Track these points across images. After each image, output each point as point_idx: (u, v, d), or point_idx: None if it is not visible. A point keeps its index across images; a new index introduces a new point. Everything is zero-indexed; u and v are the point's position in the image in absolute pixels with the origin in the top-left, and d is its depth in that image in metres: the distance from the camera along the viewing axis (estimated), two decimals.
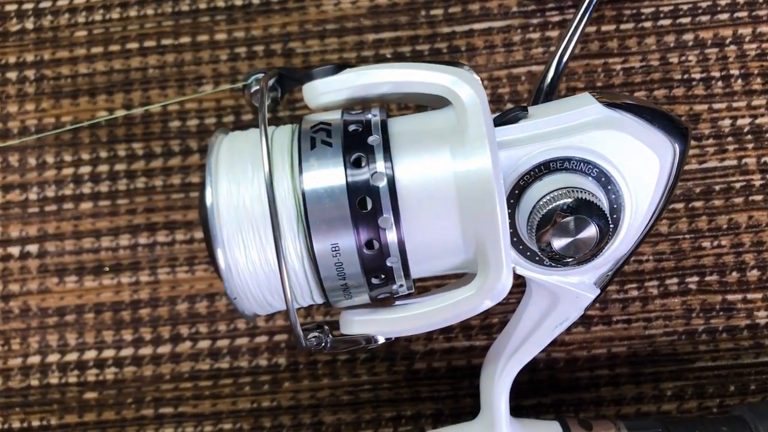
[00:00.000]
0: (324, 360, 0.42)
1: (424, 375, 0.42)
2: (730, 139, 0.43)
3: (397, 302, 0.31)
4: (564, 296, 0.32)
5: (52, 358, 0.43)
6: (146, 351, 0.43)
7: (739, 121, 0.43)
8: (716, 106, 0.43)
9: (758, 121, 0.43)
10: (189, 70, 0.45)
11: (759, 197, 0.42)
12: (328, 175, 0.29)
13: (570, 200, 0.28)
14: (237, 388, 0.42)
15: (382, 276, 0.30)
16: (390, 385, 0.42)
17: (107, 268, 0.43)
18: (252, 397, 0.42)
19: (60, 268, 0.44)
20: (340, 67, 0.31)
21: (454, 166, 0.29)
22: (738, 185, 0.42)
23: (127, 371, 0.43)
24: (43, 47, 0.46)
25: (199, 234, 0.43)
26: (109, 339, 0.43)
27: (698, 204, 0.42)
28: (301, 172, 0.29)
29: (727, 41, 0.44)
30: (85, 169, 0.44)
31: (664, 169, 0.30)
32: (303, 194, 0.28)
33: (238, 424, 0.42)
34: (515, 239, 0.30)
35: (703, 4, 0.44)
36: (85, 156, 0.45)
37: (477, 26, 0.45)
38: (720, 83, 0.43)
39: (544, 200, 0.29)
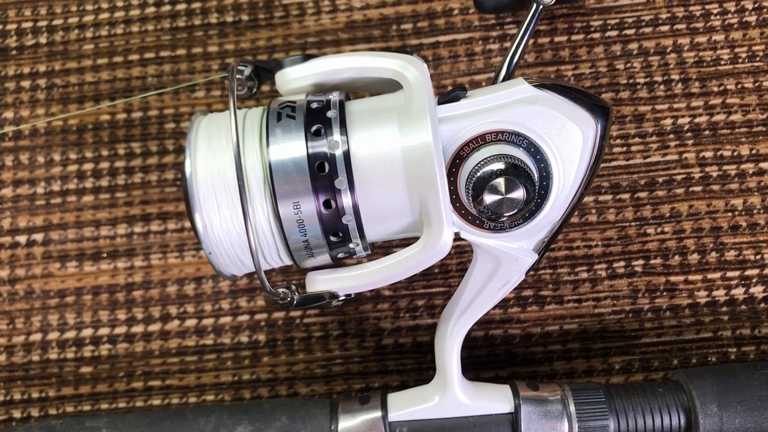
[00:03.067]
0: (300, 337, 0.46)
1: (391, 350, 0.45)
2: (671, 136, 0.47)
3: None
4: (505, 260, 0.36)
5: (52, 335, 0.47)
6: (138, 329, 0.47)
7: (680, 120, 0.47)
8: (659, 107, 0.47)
9: (697, 120, 0.47)
10: (184, 79, 0.50)
11: (698, 188, 0.46)
12: (291, 143, 0.33)
13: (501, 164, 0.32)
14: (220, 362, 0.46)
15: (339, 234, 0.34)
16: (360, 359, 0.45)
17: (105, 254, 0.48)
18: (233, 371, 0.46)
19: (62, 255, 0.48)
20: (307, 57, 0.36)
21: (400, 136, 0.33)
22: (679, 177, 0.46)
23: (120, 347, 0.46)
24: (54, 59, 0.51)
25: (187, 223, 0.48)
26: (104, 318, 0.47)
27: (643, 194, 0.46)
28: (268, 142, 0.33)
29: (668, 50, 0.48)
30: (88, 166, 0.49)
31: (587, 142, 0.34)
32: (269, 160, 0.33)
33: (220, 395, 0.46)
34: (458, 205, 0.34)
35: (646, 18, 0.49)
36: (89, 154, 0.49)
37: (442, 38, 0.49)
38: (662, 87, 0.48)
39: (480, 165, 0.33)
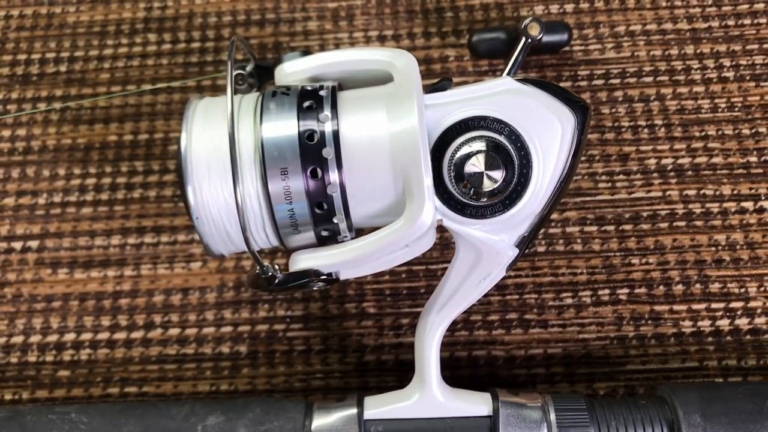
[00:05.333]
0: (282, 350, 0.46)
1: (372, 366, 0.45)
2: (655, 175, 0.48)
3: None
4: (486, 251, 0.37)
5: (34, 338, 0.47)
6: (120, 335, 0.46)
7: (663, 161, 0.49)
8: (643, 148, 0.49)
9: (680, 161, 0.49)
10: None
11: (682, 223, 0.47)
12: (284, 115, 0.35)
13: (482, 144, 0.34)
14: (199, 372, 0.45)
15: (324, 206, 0.35)
16: (340, 375, 0.45)
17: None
18: (212, 381, 0.45)
19: (54, 262, 0.49)
20: (305, 53, 0.39)
21: (388, 118, 0.35)
22: (663, 213, 0.47)
23: (100, 353, 0.46)
24: (71, 85, 0.54)
25: (181, 236, 0.49)
26: (88, 324, 0.47)
27: (627, 227, 0.47)
28: (262, 117, 0.35)
29: (651, 98, 0.51)
30: (90, 181, 0.51)
31: (566, 135, 0.36)
32: (261, 132, 0.34)
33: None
34: (440, 189, 0.35)
35: (630, 70, 0.52)
36: (92, 170, 0.51)
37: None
38: (646, 130, 0.50)
39: (462, 144, 0.34)
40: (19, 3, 0.57)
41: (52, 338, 0.47)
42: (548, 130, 0.36)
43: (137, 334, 0.46)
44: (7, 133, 0.53)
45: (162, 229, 0.49)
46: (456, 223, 0.36)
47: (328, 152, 0.34)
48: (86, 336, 0.46)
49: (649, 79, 0.51)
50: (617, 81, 0.51)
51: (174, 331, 0.46)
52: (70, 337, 0.47)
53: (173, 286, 0.47)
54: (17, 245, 0.49)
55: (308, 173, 0.34)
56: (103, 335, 0.46)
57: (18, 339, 0.47)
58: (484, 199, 0.35)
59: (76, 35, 0.56)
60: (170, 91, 0.54)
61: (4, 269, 0.48)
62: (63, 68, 0.55)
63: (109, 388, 0.45)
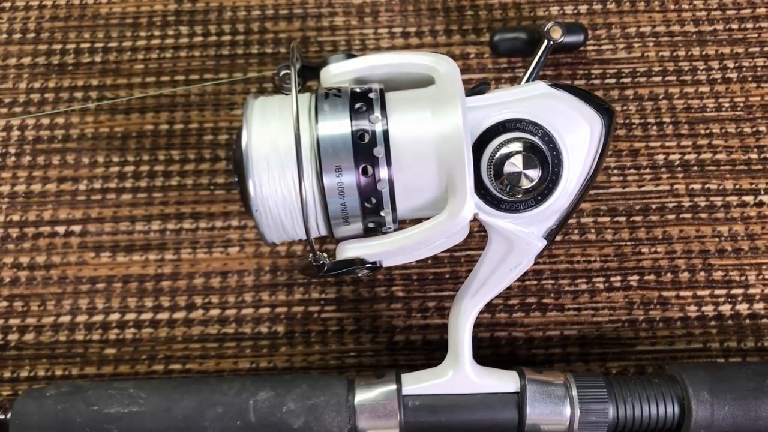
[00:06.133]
0: (317, 330, 0.49)
1: (402, 346, 0.48)
2: (663, 169, 0.52)
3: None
4: (517, 242, 0.40)
5: (81, 318, 0.49)
6: (163, 316, 0.49)
7: (671, 156, 0.52)
8: (652, 144, 0.53)
9: (686, 157, 0.52)
10: (224, 98, 0.55)
11: (688, 215, 0.51)
12: (337, 116, 0.37)
13: (520, 145, 0.37)
14: (239, 350, 0.48)
15: (373, 200, 0.38)
16: (372, 353, 0.48)
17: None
18: (251, 359, 0.48)
19: (97, 246, 0.51)
20: (350, 56, 0.41)
21: (433, 119, 0.38)
22: (671, 205, 0.51)
23: (144, 332, 0.49)
24: (106, 75, 0.56)
25: (218, 223, 0.52)
26: (132, 305, 0.50)
27: (638, 218, 0.51)
28: (317, 117, 0.38)
29: (660, 97, 0.54)
30: (129, 168, 0.53)
31: (594, 136, 0.39)
32: (317, 131, 0.37)
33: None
34: (478, 185, 0.39)
35: (641, 69, 0.55)
36: (131, 158, 0.54)
37: None
38: (655, 128, 0.53)
39: (501, 145, 0.37)
40: None
41: (98, 318, 0.49)
42: (578, 132, 0.39)
43: (179, 315, 0.49)
44: (46, 121, 0.55)
45: (200, 215, 0.52)
46: (491, 217, 0.39)
47: (378, 151, 0.37)
48: (130, 316, 0.49)
49: (658, 78, 0.55)
50: (628, 80, 0.55)
51: (215, 312, 0.49)
52: (114, 317, 0.49)
53: (212, 270, 0.50)
54: (60, 229, 0.52)
55: (360, 170, 0.37)
56: (147, 315, 0.49)
57: (65, 318, 0.49)
58: (519, 196, 0.38)
59: (109, 26, 0.58)
60: (203, 83, 0.56)
61: (49, 252, 0.51)
62: (98, 58, 0.57)
63: (154, 365, 0.48)
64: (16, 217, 0.52)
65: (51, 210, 0.52)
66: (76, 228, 0.52)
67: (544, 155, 0.37)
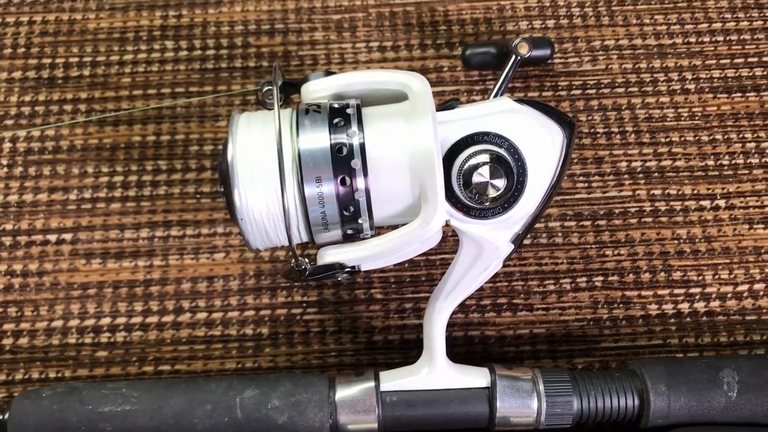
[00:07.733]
0: (299, 331, 0.51)
1: (380, 345, 0.51)
2: (626, 176, 0.55)
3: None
4: (487, 247, 0.43)
5: (73, 322, 0.51)
6: (152, 319, 0.52)
7: (633, 164, 0.55)
8: (615, 152, 0.56)
9: (648, 164, 0.55)
10: (209, 110, 0.58)
11: (649, 219, 0.54)
12: (317, 131, 0.40)
13: (487, 156, 0.40)
14: (226, 351, 0.51)
15: (351, 209, 0.40)
16: (352, 353, 0.51)
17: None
18: (237, 359, 0.51)
19: (88, 253, 0.53)
20: (329, 73, 0.44)
21: (406, 132, 0.40)
22: (633, 210, 0.54)
23: (134, 335, 0.51)
24: (94, 89, 0.59)
25: (204, 230, 0.54)
26: (122, 309, 0.52)
27: (602, 222, 0.54)
28: (298, 131, 0.40)
29: (623, 107, 0.57)
30: (118, 178, 0.56)
31: (556, 147, 0.42)
32: (298, 144, 0.40)
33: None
34: (449, 193, 0.41)
35: (605, 81, 0.58)
36: (119, 168, 0.56)
37: (432, 89, 0.58)
38: (618, 136, 0.56)
39: (470, 156, 0.40)
40: (41, 9, 0.61)
41: (90, 322, 0.51)
42: (541, 143, 0.42)
43: (168, 318, 0.52)
44: (36, 133, 0.57)
45: (186, 222, 0.54)
46: (461, 223, 0.42)
47: (356, 163, 0.40)
48: (121, 320, 0.52)
49: (621, 89, 0.58)
50: (593, 91, 0.58)
51: (202, 315, 0.52)
52: (106, 321, 0.52)
53: (199, 275, 0.53)
54: (52, 237, 0.54)
55: (339, 181, 0.40)
56: (137, 319, 0.52)
57: (58, 323, 0.51)
58: (487, 203, 0.41)
59: (97, 41, 0.60)
60: (189, 96, 0.58)
61: (41, 259, 0.53)
62: (86, 72, 0.59)
63: (144, 367, 0.50)
64: (9, 226, 0.54)
65: (43, 219, 0.54)
66: (67, 236, 0.54)
67: (510, 166, 0.40)
